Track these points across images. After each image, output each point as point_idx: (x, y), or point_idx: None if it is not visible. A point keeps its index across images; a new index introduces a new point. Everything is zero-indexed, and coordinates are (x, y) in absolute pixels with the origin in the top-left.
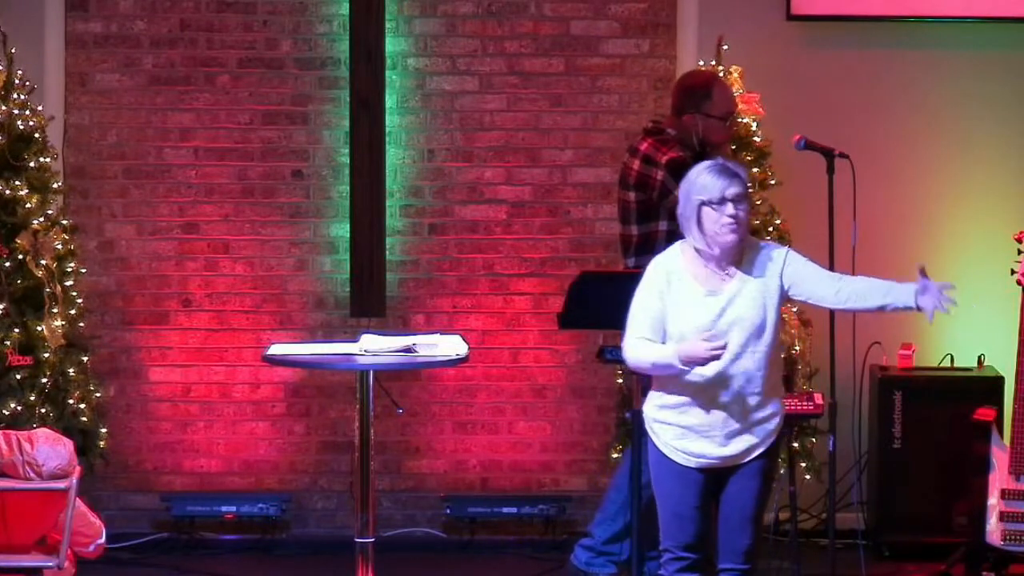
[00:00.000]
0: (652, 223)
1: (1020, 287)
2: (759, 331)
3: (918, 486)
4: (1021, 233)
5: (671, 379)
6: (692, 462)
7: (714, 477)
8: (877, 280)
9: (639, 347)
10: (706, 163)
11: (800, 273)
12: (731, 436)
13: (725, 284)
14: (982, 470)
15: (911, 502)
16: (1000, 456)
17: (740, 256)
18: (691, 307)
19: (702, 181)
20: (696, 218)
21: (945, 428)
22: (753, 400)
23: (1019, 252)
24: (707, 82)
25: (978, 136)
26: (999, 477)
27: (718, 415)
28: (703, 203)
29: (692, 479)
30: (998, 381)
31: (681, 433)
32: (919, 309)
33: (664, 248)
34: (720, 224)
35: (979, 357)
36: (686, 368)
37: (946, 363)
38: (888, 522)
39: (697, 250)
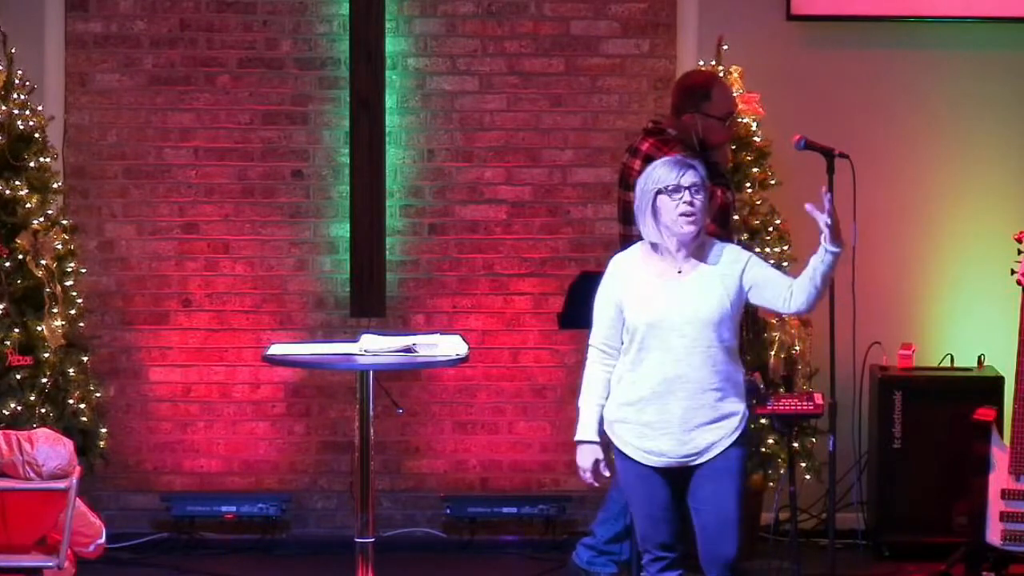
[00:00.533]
0: None
1: (1020, 287)
2: (716, 326)
3: (918, 486)
4: (1021, 233)
5: (628, 377)
6: (654, 461)
7: (680, 477)
8: (802, 276)
9: (588, 374)
10: (663, 159)
11: (760, 276)
12: (690, 434)
13: (683, 277)
14: (982, 470)
15: (911, 502)
16: (1000, 456)
17: (700, 253)
18: (647, 298)
19: (657, 172)
20: (652, 208)
21: (945, 428)
22: (711, 397)
23: (1019, 252)
24: (707, 82)
25: (978, 136)
26: (999, 477)
27: (676, 412)
28: (659, 192)
29: (657, 480)
30: (998, 381)
31: (640, 432)
32: (834, 244)
33: None
34: (677, 212)
35: (979, 357)
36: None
37: (946, 363)
38: (888, 522)
39: (655, 246)
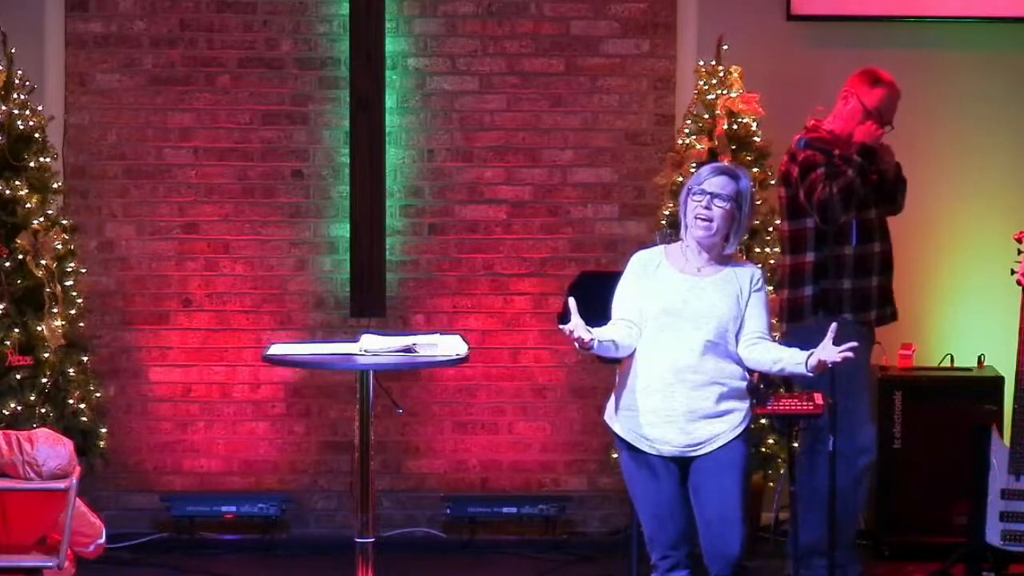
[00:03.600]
0: (801, 220)
1: (1020, 287)
2: (727, 325)
3: (918, 486)
4: (1021, 233)
5: (638, 365)
6: (655, 449)
7: (683, 470)
8: (774, 347)
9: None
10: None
11: (750, 311)
12: (692, 424)
13: (702, 273)
14: (982, 470)
15: (911, 502)
16: (1000, 456)
17: (724, 262)
18: (664, 288)
19: (698, 173)
20: (684, 206)
21: (945, 428)
22: (715, 391)
23: (1019, 252)
24: (880, 77)
25: (978, 136)
26: (999, 477)
27: (681, 400)
28: (690, 191)
29: (661, 472)
30: (998, 381)
31: (645, 420)
32: (813, 371)
33: (813, 246)
34: (695, 214)
35: (979, 357)
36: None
37: (946, 363)
38: (888, 522)
39: (685, 246)
